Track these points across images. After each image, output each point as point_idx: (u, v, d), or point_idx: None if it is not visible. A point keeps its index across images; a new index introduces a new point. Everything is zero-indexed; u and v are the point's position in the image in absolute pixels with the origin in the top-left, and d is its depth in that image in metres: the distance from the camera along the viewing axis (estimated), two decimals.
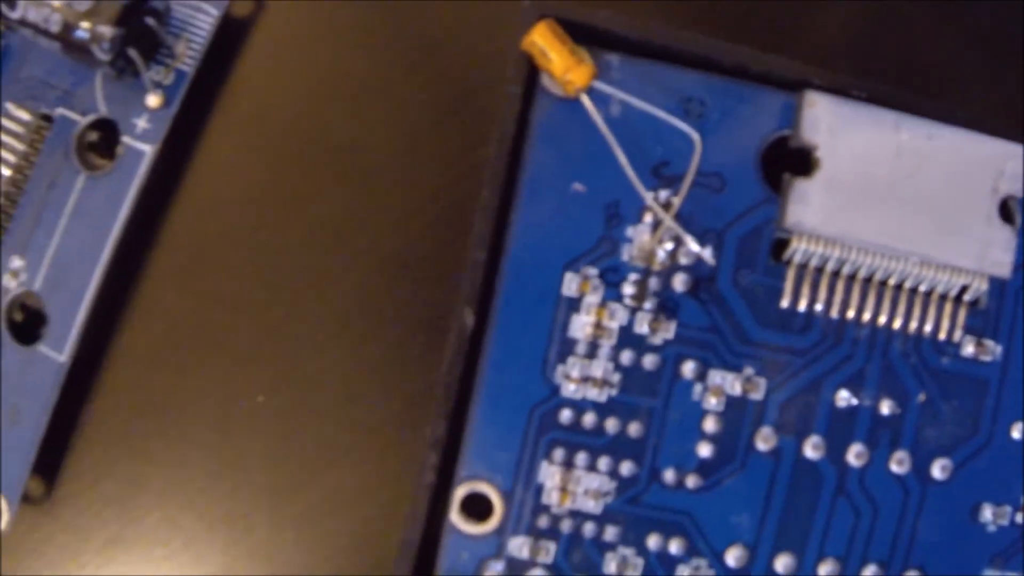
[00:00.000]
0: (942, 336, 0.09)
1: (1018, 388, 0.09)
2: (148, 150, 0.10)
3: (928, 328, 0.09)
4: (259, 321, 0.10)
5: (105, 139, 0.10)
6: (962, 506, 0.09)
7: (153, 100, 0.10)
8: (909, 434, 0.09)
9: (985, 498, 0.09)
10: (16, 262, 0.10)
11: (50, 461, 0.11)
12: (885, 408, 0.09)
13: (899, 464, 0.09)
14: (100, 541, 0.11)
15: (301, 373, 0.10)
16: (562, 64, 0.08)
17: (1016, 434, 0.09)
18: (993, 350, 0.09)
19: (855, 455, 0.09)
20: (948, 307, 0.09)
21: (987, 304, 0.09)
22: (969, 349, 0.09)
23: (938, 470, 0.09)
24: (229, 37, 0.11)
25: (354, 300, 0.10)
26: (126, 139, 0.10)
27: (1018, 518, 0.09)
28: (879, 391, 0.09)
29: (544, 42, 0.08)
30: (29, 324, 0.10)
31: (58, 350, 0.10)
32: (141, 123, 0.10)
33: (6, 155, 0.10)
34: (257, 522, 0.10)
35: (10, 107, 0.10)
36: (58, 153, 0.10)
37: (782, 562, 0.09)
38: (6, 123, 0.10)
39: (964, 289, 0.09)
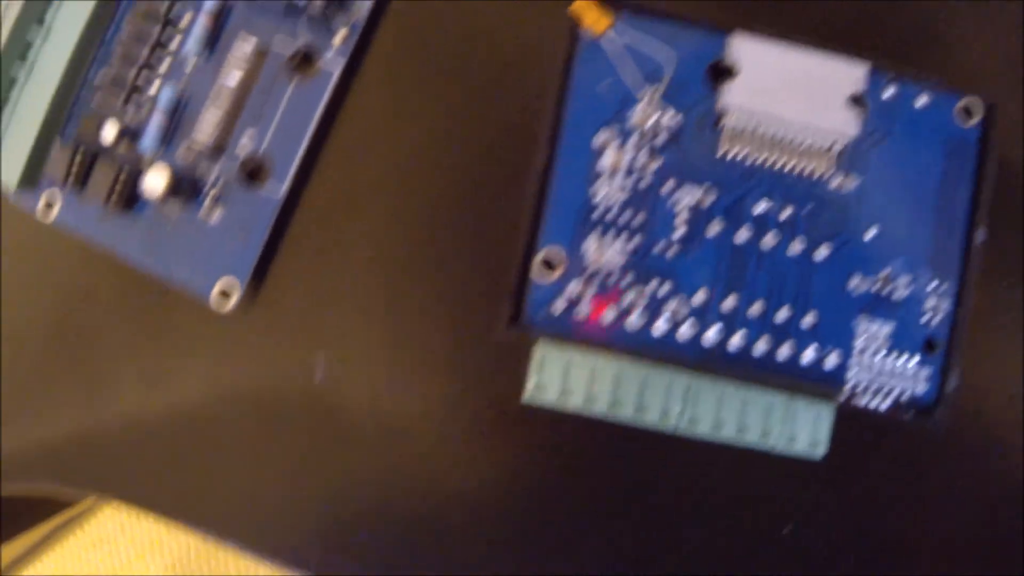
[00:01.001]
0: (820, 173, 0.16)
1: (870, 205, 0.16)
2: (336, 69, 0.16)
3: (811, 169, 0.15)
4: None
5: (305, 61, 0.17)
6: (838, 275, 0.16)
7: (340, 37, 0.16)
8: (800, 229, 0.15)
9: (852, 271, 0.16)
10: (248, 132, 0.16)
11: (259, 274, 0.17)
12: (785, 214, 0.15)
13: (797, 246, 0.15)
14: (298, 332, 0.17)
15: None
16: (592, 18, 0.15)
17: (870, 233, 0.16)
18: (853, 182, 0.16)
19: (768, 239, 0.15)
20: (824, 156, 0.16)
21: (846, 155, 0.16)
22: (836, 181, 0.16)
23: (822, 251, 0.16)
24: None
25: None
26: (320, 62, 0.16)
27: (875, 287, 0.16)
28: (781, 202, 0.15)
29: (582, 6, 0.15)
30: (254, 174, 0.16)
31: (275, 192, 0.16)
32: (331, 52, 0.16)
33: (235, 72, 0.17)
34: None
35: (240, 38, 0.17)
36: (273, 69, 0.17)
37: (729, 300, 0.15)
38: (239, 50, 0.17)
39: (832, 145, 0.15)
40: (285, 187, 0.16)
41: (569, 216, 0.15)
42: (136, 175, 0.16)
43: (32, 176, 0.17)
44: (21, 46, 0.17)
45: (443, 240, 0.16)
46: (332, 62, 0.17)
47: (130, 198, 0.17)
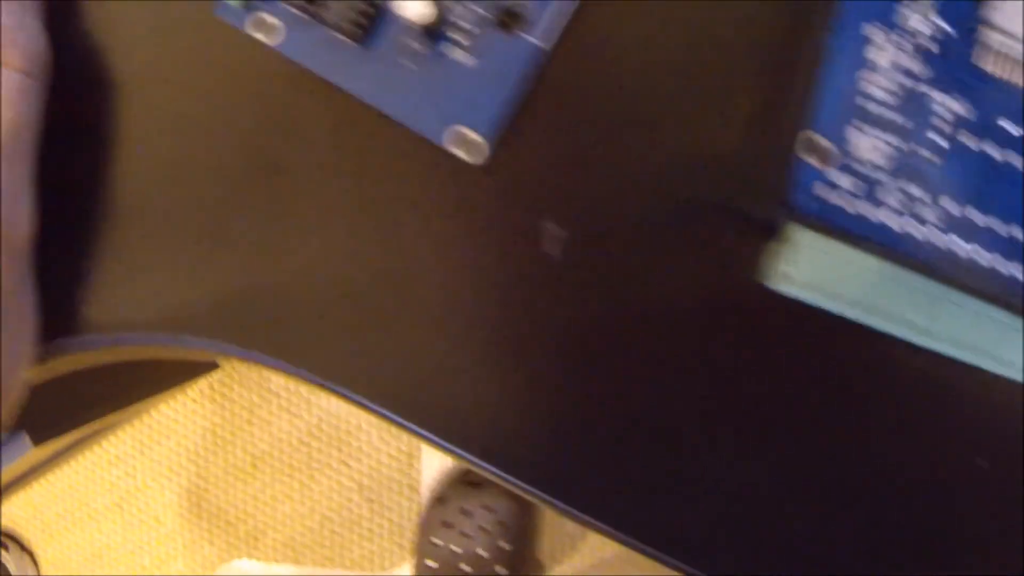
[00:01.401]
0: None
1: None
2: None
3: None
4: None
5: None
6: None
7: None
8: None
9: None
10: None
11: (498, 128, 0.16)
12: None
13: None
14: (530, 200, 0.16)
15: None
16: None
17: None
18: None
19: (1012, 157, 0.16)
20: None
21: None
22: None
23: None
24: None
25: None
26: None
27: None
28: None
29: None
30: (508, 21, 0.16)
31: (529, 42, 0.16)
32: None
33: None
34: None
35: None
36: None
37: (976, 215, 0.15)
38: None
39: None
40: (545, 38, 0.16)
41: (837, 103, 0.15)
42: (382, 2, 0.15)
43: None
44: None
45: (696, 106, 0.16)
46: None
47: (373, 28, 0.16)
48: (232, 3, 0.16)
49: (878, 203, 0.15)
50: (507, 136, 0.16)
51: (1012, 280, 0.16)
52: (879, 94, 0.16)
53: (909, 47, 0.16)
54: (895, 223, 0.15)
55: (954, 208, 0.16)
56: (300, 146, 0.17)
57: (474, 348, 0.16)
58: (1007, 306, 0.16)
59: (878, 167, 0.15)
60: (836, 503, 0.16)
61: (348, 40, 0.16)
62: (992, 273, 0.16)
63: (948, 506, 0.17)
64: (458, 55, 0.16)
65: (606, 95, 0.16)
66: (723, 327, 0.16)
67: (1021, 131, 0.16)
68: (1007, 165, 0.16)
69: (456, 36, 0.16)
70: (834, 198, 0.15)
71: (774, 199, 0.15)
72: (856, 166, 0.15)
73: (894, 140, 0.16)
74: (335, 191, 0.16)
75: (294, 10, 0.16)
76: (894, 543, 0.16)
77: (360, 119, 0.16)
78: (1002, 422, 0.17)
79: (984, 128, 0.16)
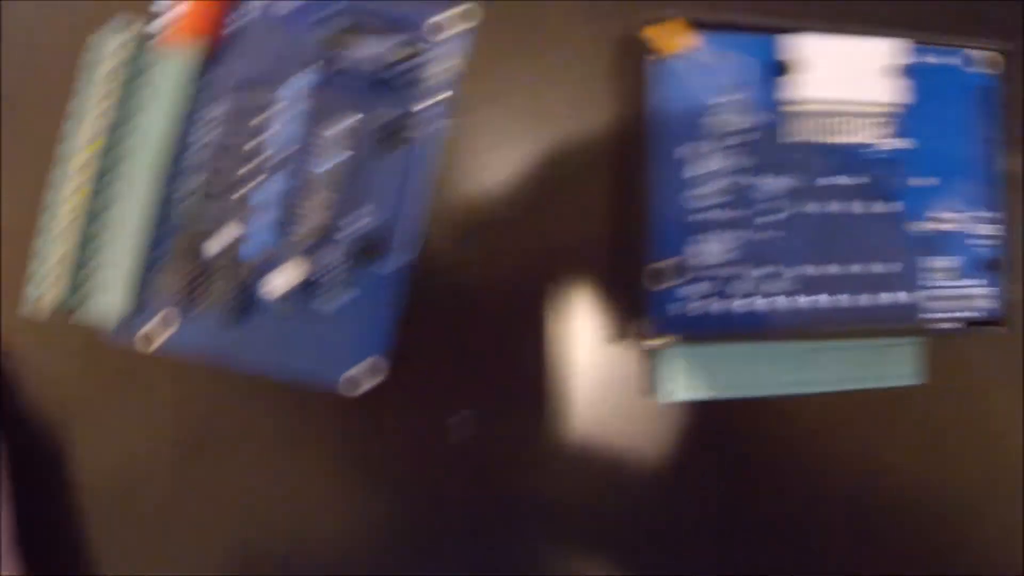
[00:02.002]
0: (876, 141, 0.18)
1: (917, 157, 0.18)
2: (432, 131, 0.18)
3: (870, 138, 0.18)
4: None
5: (399, 130, 0.17)
6: (908, 222, 0.18)
7: (431, 100, 0.18)
8: (871, 191, 0.18)
9: (917, 217, 0.18)
10: (354, 213, 0.17)
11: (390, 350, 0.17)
12: (860, 180, 0.18)
13: (877, 207, 0.18)
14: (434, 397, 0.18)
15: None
16: (662, 39, 0.17)
17: (925, 182, 0.18)
18: (901, 143, 0.18)
19: (856, 206, 0.18)
20: (877, 126, 0.18)
21: (897, 120, 0.18)
22: (893, 144, 0.18)
23: (894, 207, 0.18)
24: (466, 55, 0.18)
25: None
26: (415, 128, 0.17)
27: (936, 225, 0.18)
28: (852, 173, 0.18)
29: (652, 29, 0.17)
30: (368, 252, 0.17)
31: (393, 266, 0.17)
32: (424, 116, 0.17)
33: (332, 154, 0.18)
34: None
35: (333, 118, 0.17)
36: (369, 144, 0.17)
37: (832, 268, 0.18)
38: (332, 131, 0.18)
39: (880, 114, 0.18)
40: (400, 260, 0.17)
41: (672, 225, 0.17)
42: (248, 280, 0.17)
43: (134, 303, 0.17)
44: (102, 174, 0.17)
45: (559, 268, 0.18)
46: (426, 125, 0.18)
47: (247, 304, 0.17)
48: (118, 317, 0.16)
49: (736, 295, 0.18)
50: (399, 352, 0.17)
51: (883, 309, 0.18)
52: (710, 201, 0.18)
53: (727, 147, 0.18)
54: (756, 306, 0.18)
55: (809, 270, 0.18)
56: (220, 431, 0.18)
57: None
58: (882, 333, 0.18)
59: (726, 264, 0.18)
60: None
61: (230, 320, 0.17)
62: (864, 311, 0.18)
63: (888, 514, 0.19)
64: (332, 300, 0.17)
65: (475, 279, 0.18)
66: (637, 448, 0.18)
67: (837, 181, 0.18)
68: (844, 215, 0.18)
69: (326, 282, 0.17)
70: (693, 309, 0.18)
71: (639, 330, 0.17)
72: (706, 272, 0.18)
73: (735, 235, 0.18)
74: (264, 457, 0.17)
75: (177, 305, 0.16)
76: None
77: (260, 386, 0.17)
78: (913, 424, 0.20)
79: (813, 191, 0.18)
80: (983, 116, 0.19)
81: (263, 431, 0.18)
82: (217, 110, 0.17)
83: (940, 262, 0.19)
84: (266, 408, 0.18)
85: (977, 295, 0.19)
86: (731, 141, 0.18)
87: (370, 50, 0.17)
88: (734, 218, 0.18)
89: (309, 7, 0.17)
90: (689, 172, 0.18)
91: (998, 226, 0.19)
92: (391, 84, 0.18)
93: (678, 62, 0.17)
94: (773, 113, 0.18)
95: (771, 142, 0.18)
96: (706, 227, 0.18)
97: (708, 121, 0.18)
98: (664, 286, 0.17)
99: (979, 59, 0.19)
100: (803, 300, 0.18)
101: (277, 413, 0.18)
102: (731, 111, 0.18)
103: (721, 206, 0.18)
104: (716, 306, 0.18)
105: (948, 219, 0.19)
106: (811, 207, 0.18)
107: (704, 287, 0.18)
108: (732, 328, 0.18)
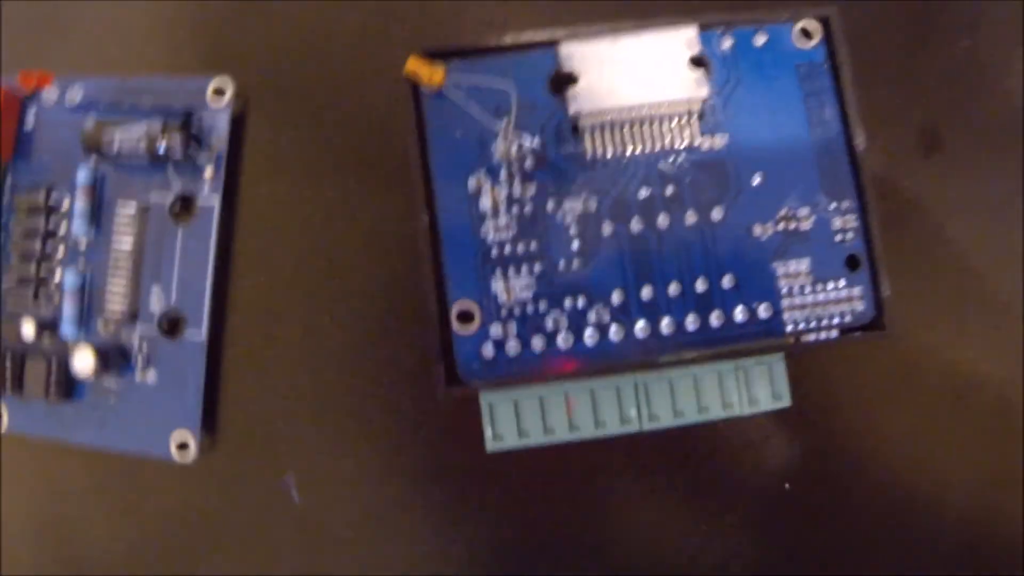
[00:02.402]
0: (687, 143, 0.16)
1: (746, 155, 0.16)
2: (216, 201, 0.17)
3: (678, 142, 0.16)
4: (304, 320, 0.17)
5: (185, 206, 0.18)
6: (740, 230, 0.16)
7: (208, 172, 0.17)
8: (688, 200, 0.16)
9: (752, 221, 0.16)
10: (154, 289, 0.17)
11: (210, 417, 0.17)
12: (668, 191, 0.16)
13: (691, 217, 0.16)
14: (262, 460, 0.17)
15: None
16: (426, 75, 0.16)
17: (756, 180, 0.16)
18: (721, 140, 0.16)
19: (661, 220, 0.16)
20: (686, 126, 0.16)
21: (706, 116, 0.16)
22: (707, 144, 0.16)
23: (716, 214, 0.16)
24: (237, 125, 0.18)
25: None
26: (199, 201, 0.17)
27: (779, 227, 0.16)
28: (662, 183, 0.16)
29: (414, 66, 0.16)
30: (173, 327, 0.17)
31: (197, 336, 0.17)
32: (205, 189, 0.17)
33: (125, 237, 0.18)
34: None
35: (119, 203, 0.18)
36: (159, 222, 0.17)
37: (646, 291, 0.16)
38: (122, 215, 0.17)
39: (689, 112, 0.16)
40: (204, 330, 0.17)
41: (468, 265, 0.16)
42: (66, 362, 0.17)
43: None
44: None
45: (364, 326, 0.17)
46: (208, 198, 0.17)
47: (68, 385, 0.18)
48: None
49: (546, 332, 0.16)
50: (221, 418, 0.17)
51: (717, 331, 0.16)
52: (503, 236, 0.16)
53: (511, 177, 0.16)
54: (571, 342, 0.16)
55: (618, 298, 0.16)
56: (71, 505, 0.18)
57: None
58: (724, 356, 0.16)
59: (531, 300, 0.16)
60: None
61: (55, 401, 0.17)
62: (716, 333, 0.16)
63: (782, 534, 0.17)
64: (143, 375, 0.17)
65: (285, 343, 0.18)
66: (471, 503, 0.17)
67: (648, 194, 0.16)
68: (651, 233, 0.16)
69: (137, 359, 0.17)
70: (504, 351, 0.16)
71: (453, 378, 0.16)
72: (511, 311, 0.16)
73: (536, 268, 0.16)
74: (109, 528, 0.18)
75: (2, 394, 0.17)
76: None
77: (99, 459, 0.18)
78: (788, 446, 0.17)
79: (613, 211, 0.16)
80: (813, 95, 0.17)
81: (109, 502, 0.18)
82: (22, 203, 0.18)
83: (794, 266, 0.16)
84: (105, 481, 0.18)
85: (843, 298, 0.17)
86: (523, 166, 0.16)
87: (136, 133, 0.17)
88: (533, 251, 0.16)
89: (76, 104, 0.18)
90: (481, 205, 0.16)
91: (854, 216, 0.17)
92: (170, 162, 0.17)
93: (450, 93, 0.16)
94: (565, 129, 0.16)
95: (568, 161, 0.16)
96: (504, 263, 0.16)
97: (493, 149, 0.16)
98: (466, 330, 0.16)
99: (797, 30, 0.17)
100: (638, 327, 0.16)
101: (118, 484, 0.18)
102: (516, 135, 0.16)
103: (517, 239, 0.16)
104: (523, 346, 0.16)
105: (794, 217, 0.17)
106: (622, 227, 0.16)
107: (512, 327, 0.16)
108: (547, 367, 0.16)
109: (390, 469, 0.17)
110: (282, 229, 0.18)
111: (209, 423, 0.17)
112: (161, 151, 0.17)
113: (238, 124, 0.18)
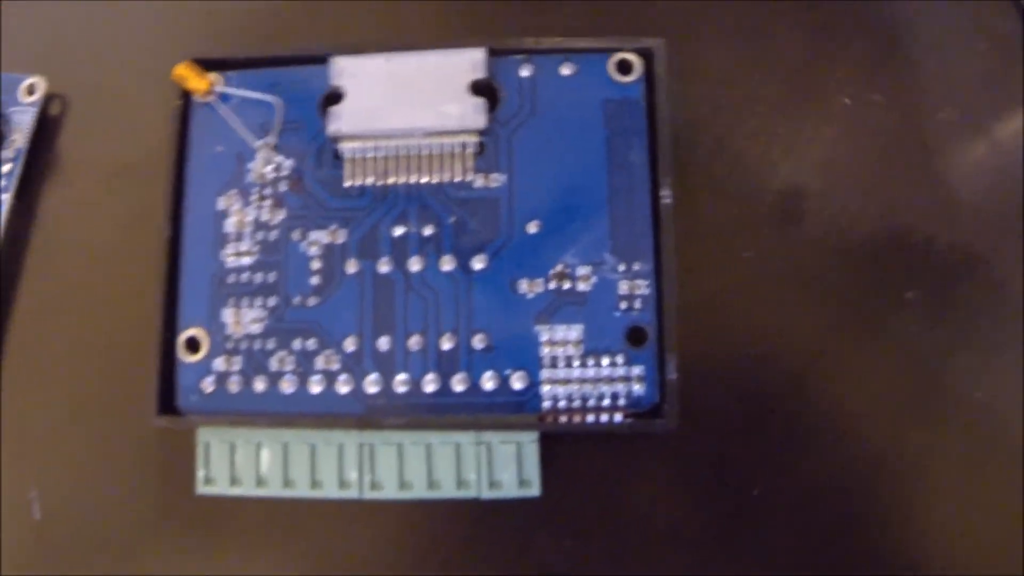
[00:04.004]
0: (459, 179, 0.15)
1: (525, 198, 0.15)
2: (7, 198, 0.18)
3: (447, 177, 0.15)
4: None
5: None
6: (502, 284, 0.14)
7: (6, 168, 0.18)
8: (448, 244, 0.15)
9: (519, 276, 0.14)
10: None
11: None
12: (427, 231, 0.15)
13: (448, 263, 0.15)
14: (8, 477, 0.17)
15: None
16: (193, 83, 0.15)
17: (532, 229, 0.15)
18: (499, 179, 0.15)
19: (414, 263, 0.15)
20: (459, 159, 0.15)
21: (486, 150, 0.15)
22: (479, 181, 0.15)
23: (478, 263, 0.15)
24: (47, 123, 0.18)
25: None
26: None
27: (550, 285, 0.14)
28: (420, 222, 0.15)
29: (182, 73, 0.15)
30: None
31: None
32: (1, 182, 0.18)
33: None
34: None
35: None
36: None
37: (383, 341, 0.14)
38: None
39: (464, 144, 0.15)
40: None
41: (204, 289, 0.15)
42: None
43: None
44: None
45: (110, 345, 0.17)
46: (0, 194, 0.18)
47: None
48: None
49: (270, 373, 0.15)
50: None
51: (459, 397, 0.14)
52: (244, 260, 0.15)
53: (263, 199, 0.15)
54: (295, 387, 0.15)
55: (351, 345, 0.15)
56: None
57: None
58: (466, 426, 0.14)
59: (260, 336, 0.15)
60: None
61: None
62: (459, 399, 0.14)
63: None
64: None
65: (55, 349, 0.17)
66: (181, 544, 0.16)
67: (403, 231, 0.15)
68: (398, 277, 0.15)
69: None
70: (225, 385, 0.15)
71: (170, 407, 0.15)
72: (239, 344, 0.15)
73: (270, 302, 0.15)
74: None
75: None
76: None
77: None
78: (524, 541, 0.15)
79: (362, 247, 0.15)
80: (620, 135, 0.15)
81: None
82: None
83: (563, 333, 0.14)
84: None
85: (619, 376, 0.14)
86: (277, 189, 0.15)
87: None
88: (271, 282, 0.15)
89: None
90: (227, 227, 0.15)
91: (646, 282, 0.15)
92: None
93: (218, 105, 0.16)
94: (326, 153, 0.15)
95: (325, 188, 0.15)
96: (240, 291, 0.15)
97: (250, 168, 0.15)
98: (192, 359, 0.15)
99: (613, 62, 0.15)
100: (368, 381, 0.14)
101: None
102: (275, 155, 0.15)
103: (258, 267, 0.15)
104: (247, 384, 0.15)
105: (573, 276, 0.15)
106: (369, 266, 0.15)
107: (239, 361, 0.15)
108: (274, 410, 0.15)
109: (122, 504, 0.16)
110: (77, 240, 0.18)
111: None
112: None
113: (52, 126, 0.18)
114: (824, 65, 0.18)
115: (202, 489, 0.15)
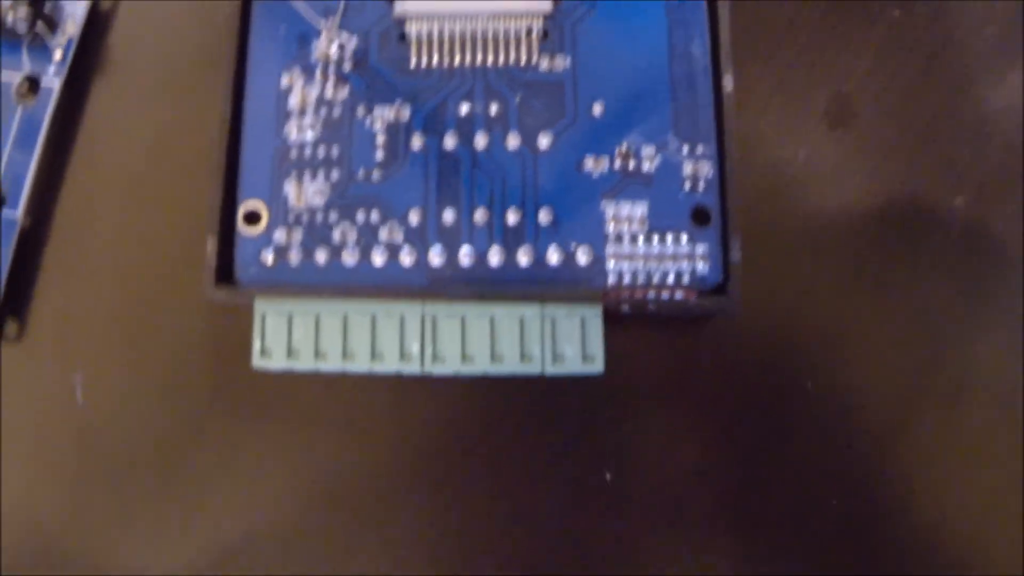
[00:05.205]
0: (524, 61, 0.15)
1: (589, 82, 0.15)
2: (56, 84, 0.18)
3: (513, 59, 0.15)
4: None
5: (31, 88, 0.18)
6: (569, 163, 0.15)
7: (57, 55, 0.18)
8: (514, 122, 0.15)
9: (585, 154, 0.15)
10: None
11: (13, 303, 0.17)
12: (493, 110, 0.15)
13: (513, 140, 0.15)
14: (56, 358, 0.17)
15: None
16: None
17: (597, 110, 0.15)
18: (563, 62, 0.15)
19: (480, 140, 0.15)
20: (524, 43, 0.15)
21: (549, 34, 0.15)
22: (544, 64, 0.15)
23: (543, 142, 0.15)
24: (98, 20, 0.18)
25: None
26: (42, 83, 0.18)
27: (616, 164, 0.15)
28: (486, 101, 0.15)
29: None
30: None
31: (12, 216, 0.17)
32: (50, 71, 0.18)
33: None
34: None
35: None
36: (5, 100, 0.18)
37: (448, 214, 0.15)
38: None
39: (530, 27, 0.15)
40: (20, 211, 0.17)
41: (264, 163, 0.15)
42: None
43: None
44: None
45: (174, 234, 0.17)
46: (50, 80, 0.18)
47: None
48: None
49: (332, 245, 0.15)
50: (26, 306, 0.17)
51: (524, 271, 0.15)
52: (308, 136, 0.16)
53: (326, 77, 0.16)
54: (357, 259, 0.15)
55: (416, 218, 0.15)
56: None
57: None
58: (529, 299, 0.15)
59: (321, 209, 0.15)
60: None
61: None
62: (522, 273, 0.15)
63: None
64: None
65: (95, 249, 0.17)
66: (238, 420, 0.16)
67: (468, 109, 0.15)
68: (465, 152, 0.15)
69: None
70: (286, 258, 0.15)
71: (228, 279, 0.15)
72: (299, 217, 0.15)
73: (333, 175, 0.15)
74: None
75: None
76: None
77: None
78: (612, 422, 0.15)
79: (427, 124, 0.15)
80: (681, 26, 0.15)
81: None
82: None
83: (628, 209, 0.15)
84: None
85: (683, 255, 0.15)
86: (341, 67, 0.16)
87: None
88: (335, 157, 0.15)
89: None
90: (290, 103, 0.16)
91: (709, 164, 0.15)
92: (24, 42, 0.18)
93: None
94: (390, 32, 0.16)
95: (390, 67, 0.16)
96: (304, 165, 0.15)
97: (314, 47, 0.16)
98: (252, 232, 0.15)
99: None
100: (432, 253, 0.15)
101: None
102: (338, 34, 0.16)
103: (321, 142, 0.15)
104: (308, 257, 0.15)
105: (638, 155, 0.15)
106: (434, 142, 0.15)
107: (300, 235, 0.15)
108: (336, 282, 0.15)
109: (173, 387, 0.16)
110: (128, 132, 0.18)
111: (19, 310, 0.17)
112: (9, 23, 0.18)
113: (104, 18, 0.18)
114: None
115: (258, 362, 0.15)
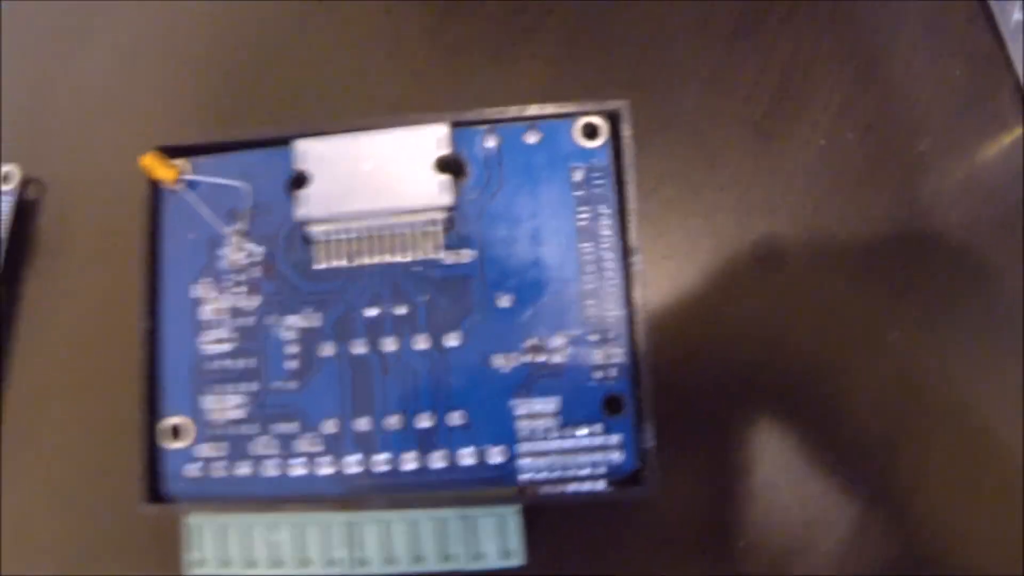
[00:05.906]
0: (429, 256, 0.15)
1: (494, 271, 0.15)
2: None
3: (417, 255, 0.15)
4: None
5: None
6: (478, 360, 0.15)
7: None
8: (422, 322, 0.15)
9: (494, 350, 0.15)
10: None
11: None
12: (400, 310, 0.15)
13: (422, 342, 0.15)
14: None
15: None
16: (160, 172, 0.16)
17: (504, 303, 0.15)
18: (468, 254, 0.15)
19: (389, 344, 0.15)
20: (429, 236, 0.15)
21: (453, 226, 0.15)
22: (450, 259, 0.15)
23: (452, 340, 0.15)
24: (25, 208, 0.19)
25: None
26: None
27: (525, 358, 0.15)
28: (393, 302, 0.15)
29: (149, 163, 0.16)
30: None
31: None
32: None
33: None
34: None
35: None
36: None
37: (362, 421, 0.15)
38: None
39: (432, 222, 0.15)
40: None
41: (184, 376, 0.16)
42: None
43: None
44: None
45: (96, 432, 0.18)
46: None
47: None
48: None
49: (253, 458, 0.15)
50: None
51: (438, 474, 0.15)
52: (222, 348, 0.16)
53: (237, 285, 0.16)
54: (279, 471, 0.15)
55: (331, 428, 0.15)
56: None
57: None
58: (447, 502, 0.15)
59: (241, 421, 0.15)
60: None
61: None
62: (441, 475, 0.15)
63: None
64: None
65: (42, 429, 0.18)
66: None
67: (377, 312, 0.16)
68: (375, 357, 0.15)
69: None
70: (210, 471, 0.15)
71: (156, 494, 0.16)
72: (220, 430, 0.16)
73: (249, 387, 0.16)
74: None
75: None
76: None
77: None
78: None
79: (337, 330, 0.16)
80: (588, 204, 0.15)
81: None
82: None
83: (539, 405, 0.15)
84: None
85: (597, 446, 0.15)
86: (251, 274, 0.16)
87: None
88: (249, 368, 0.16)
89: None
90: (204, 313, 0.16)
91: (621, 350, 0.15)
92: None
93: (186, 192, 0.16)
94: (295, 237, 0.16)
95: (297, 272, 0.16)
96: (219, 378, 0.16)
97: (223, 254, 0.16)
98: (176, 446, 0.16)
99: (579, 127, 0.16)
100: (349, 462, 0.15)
101: None
102: (246, 240, 0.16)
103: (235, 354, 0.16)
104: (232, 470, 0.15)
105: (548, 348, 0.15)
106: (344, 348, 0.15)
107: (220, 447, 0.15)
108: (251, 495, 0.15)
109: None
110: (60, 318, 0.19)
111: None
112: None
113: (29, 211, 0.19)
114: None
115: (190, 571, 0.16)
